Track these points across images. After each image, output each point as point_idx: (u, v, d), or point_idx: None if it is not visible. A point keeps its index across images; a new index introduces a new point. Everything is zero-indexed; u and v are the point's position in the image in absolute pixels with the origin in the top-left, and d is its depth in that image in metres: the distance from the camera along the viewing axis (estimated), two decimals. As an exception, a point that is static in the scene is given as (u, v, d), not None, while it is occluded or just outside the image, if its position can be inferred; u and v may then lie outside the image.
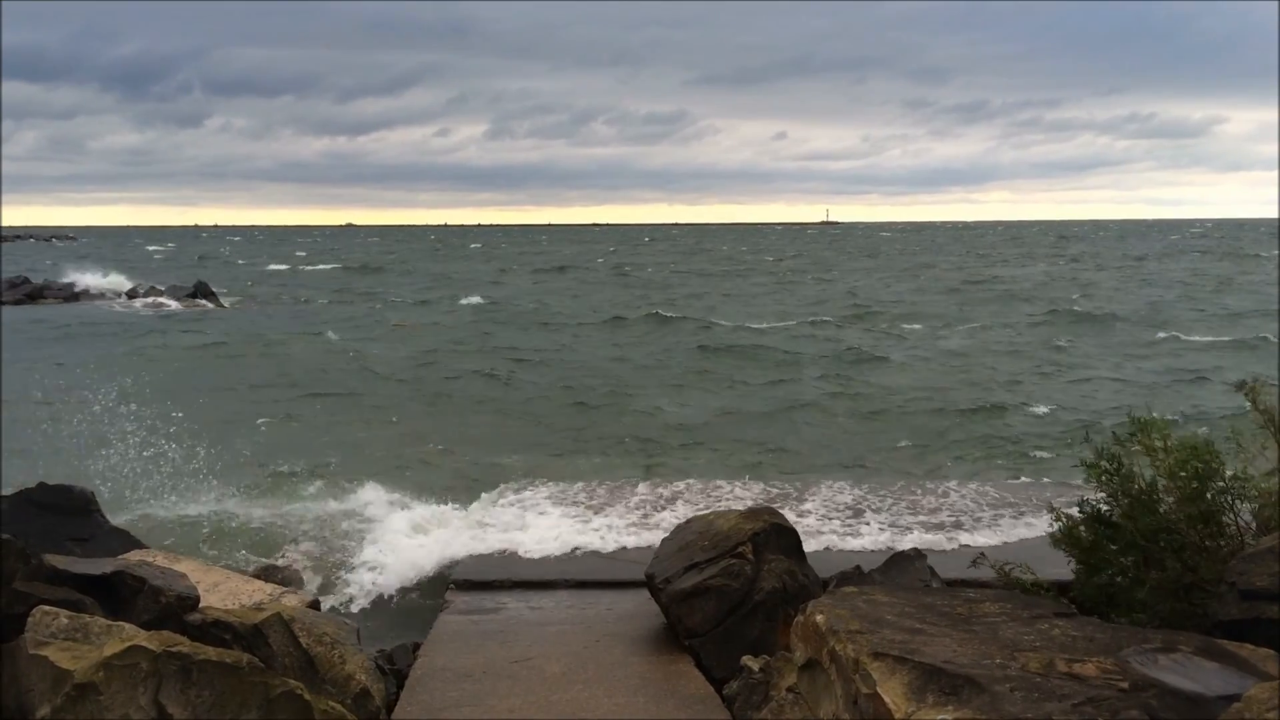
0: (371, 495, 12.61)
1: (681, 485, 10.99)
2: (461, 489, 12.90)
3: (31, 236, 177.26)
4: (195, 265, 75.05)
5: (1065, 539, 5.41)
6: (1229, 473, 5.06)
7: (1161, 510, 5.10)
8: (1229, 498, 5.01)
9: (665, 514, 9.61)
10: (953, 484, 11.10)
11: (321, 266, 73.83)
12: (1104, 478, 5.27)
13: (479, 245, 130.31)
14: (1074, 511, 5.52)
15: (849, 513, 9.74)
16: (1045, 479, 12.33)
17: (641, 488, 10.88)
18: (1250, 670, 3.77)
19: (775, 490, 10.81)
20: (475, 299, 43.50)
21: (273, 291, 51.23)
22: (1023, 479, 12.64)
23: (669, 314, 35.19)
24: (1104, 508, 5.28)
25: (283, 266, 74.31)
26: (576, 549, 8.58)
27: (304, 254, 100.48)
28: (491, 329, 32.95)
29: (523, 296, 45.98)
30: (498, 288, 52.74)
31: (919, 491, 10.67)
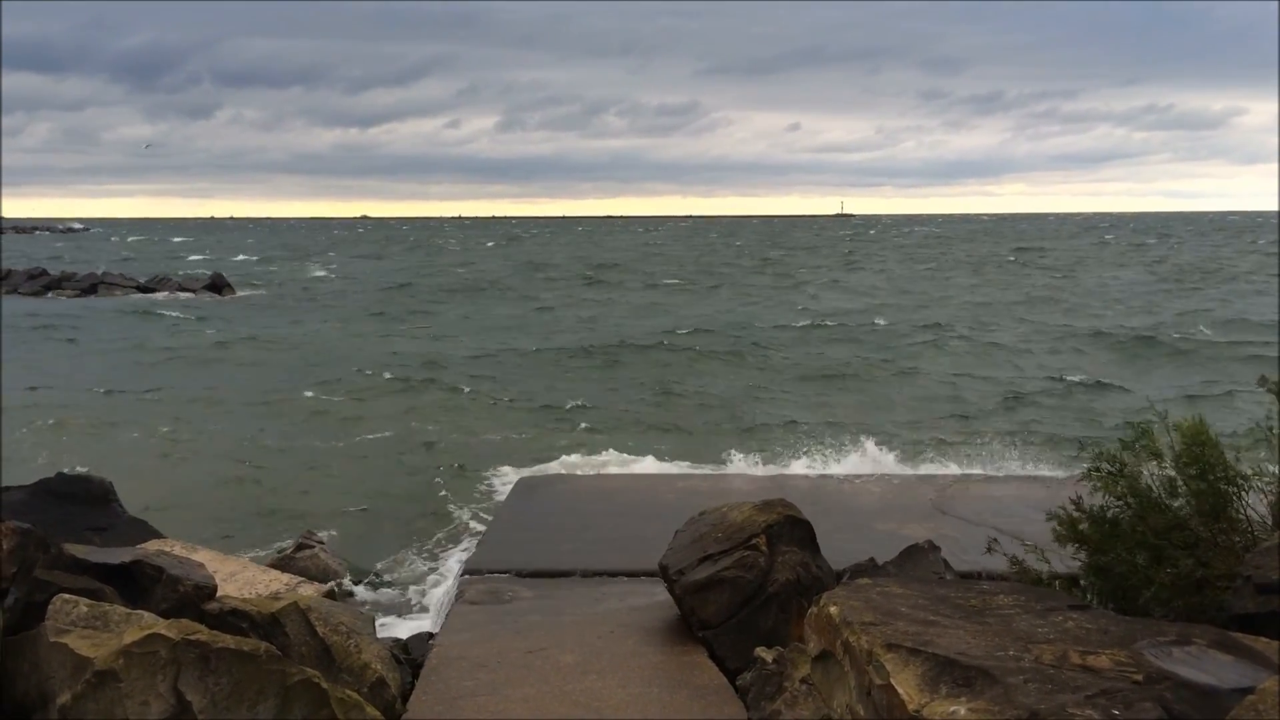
0: (388, 485, 12.70)
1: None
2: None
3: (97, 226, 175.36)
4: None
5: (1070, 534, 5.37)
6: (1238, 464, 5.03)
7: (1174, 506, 5.07)
8: (1236, 489, 4.98)
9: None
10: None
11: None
12: (1108, 480, 5.23)
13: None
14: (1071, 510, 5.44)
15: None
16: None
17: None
18: (1265, 663, 3.76)
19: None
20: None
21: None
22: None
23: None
24: (1108, 511, 5.23)
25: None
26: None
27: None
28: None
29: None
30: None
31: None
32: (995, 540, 5.87)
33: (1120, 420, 15.21)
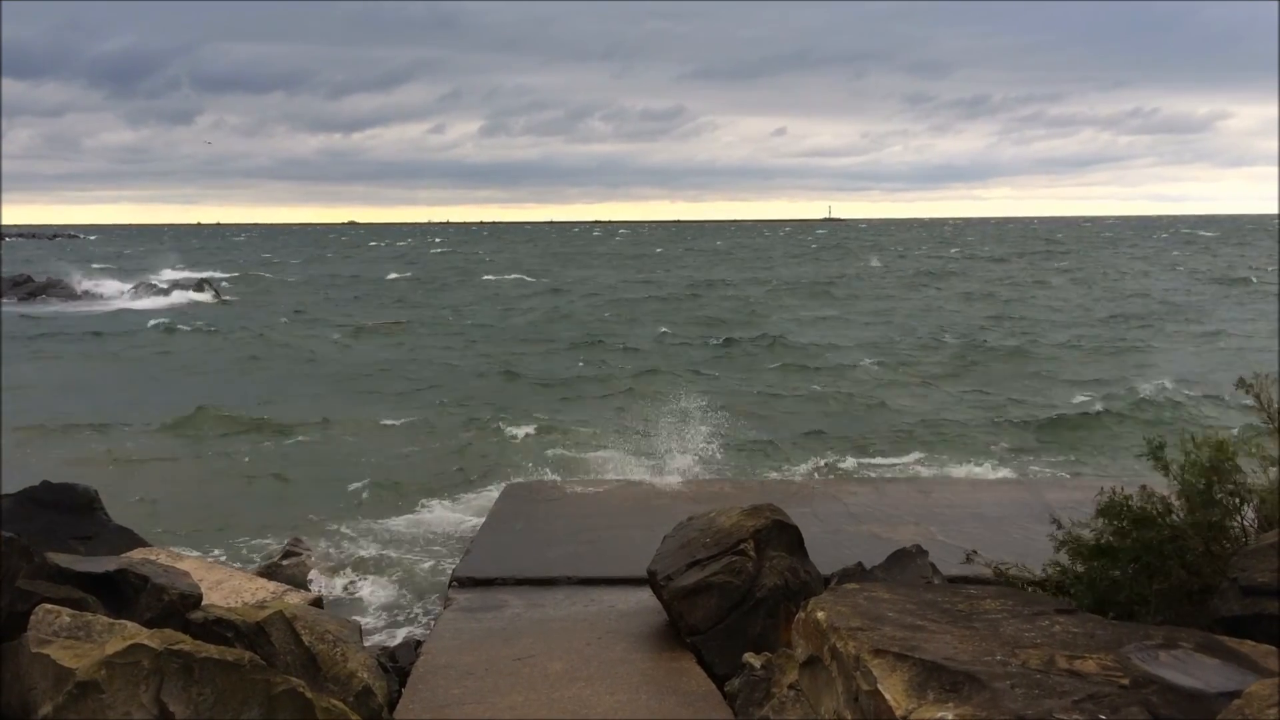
0: (373, 496, 12.64)
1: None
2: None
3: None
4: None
5: (1065, 574, 5.37)
6: (1241, 475, 5.03)
7: (1169, 520, 5.06)
8: (1237, 500, 4.99)
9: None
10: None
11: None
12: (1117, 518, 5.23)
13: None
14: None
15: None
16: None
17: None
18: (1251, 667, 3.76)
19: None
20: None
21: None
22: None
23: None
24: (1103, 539, 5.23)
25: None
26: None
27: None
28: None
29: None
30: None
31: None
32: (974, 552, 5.90)
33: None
